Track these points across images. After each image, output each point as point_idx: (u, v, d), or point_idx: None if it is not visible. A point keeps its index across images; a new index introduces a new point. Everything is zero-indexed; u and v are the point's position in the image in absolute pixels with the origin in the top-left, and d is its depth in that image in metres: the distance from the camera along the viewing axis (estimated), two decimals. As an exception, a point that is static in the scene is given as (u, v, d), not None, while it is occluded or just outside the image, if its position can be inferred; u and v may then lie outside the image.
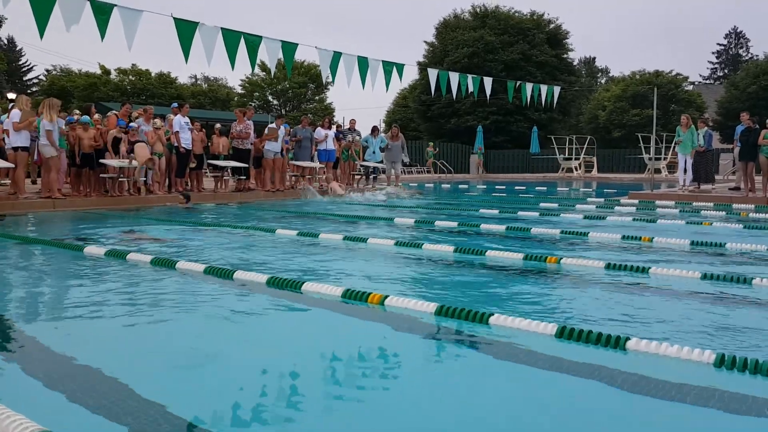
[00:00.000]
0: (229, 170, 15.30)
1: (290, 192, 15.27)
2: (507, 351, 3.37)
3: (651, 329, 3.71)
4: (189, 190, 13.92)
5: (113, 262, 5.91)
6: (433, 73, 16.20)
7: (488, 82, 16.96)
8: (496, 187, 21.64)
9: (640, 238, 7.48)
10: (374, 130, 18.38)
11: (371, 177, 18.42)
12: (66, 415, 2.50)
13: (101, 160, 12.12)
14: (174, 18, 10.38)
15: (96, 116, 12.77)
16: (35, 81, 54.13)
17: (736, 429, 2.46)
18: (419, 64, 37.81)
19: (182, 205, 12.09)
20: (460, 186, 22.97)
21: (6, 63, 31.44)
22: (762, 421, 2.49)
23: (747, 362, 2.95)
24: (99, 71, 43.54)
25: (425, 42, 41.48)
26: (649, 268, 5.37)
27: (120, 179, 12.57)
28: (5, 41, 54.07)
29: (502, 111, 35.95)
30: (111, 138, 12.21)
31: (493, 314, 3.73)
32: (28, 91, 46.34)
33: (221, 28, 10.96)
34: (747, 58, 65.94)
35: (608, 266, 5.53)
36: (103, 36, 9.58)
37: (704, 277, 5.06)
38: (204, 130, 14.40)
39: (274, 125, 14.88)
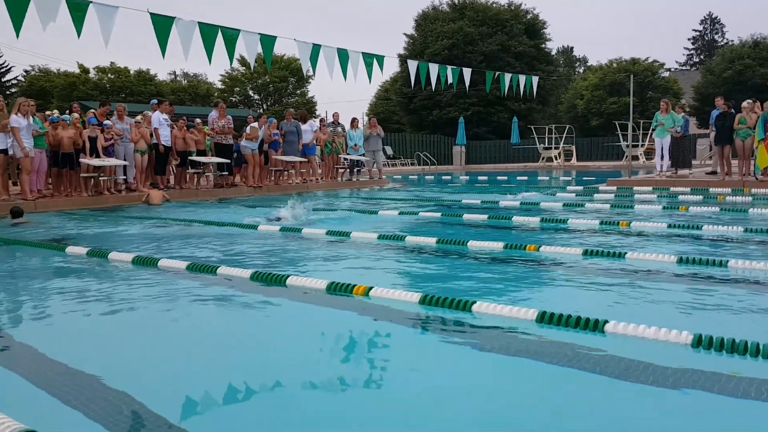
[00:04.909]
0: (211, 166, 15.22)
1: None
2: (490, 337, 3.44)
3: (629, 312, 3.80)
4: (171, 187, 13.85)
5: (93, 261, 5.91)
6: (413, 65, 16.26)
7: (467, 73, 17.05)
8: (479, 177, 21.76)
9: (618, 223, 7.61)
10: (354, 122, 18.37)
11: (355, 170, 18.43)
12: (52, 415, 2.52)
13: (80, 159, 12.03)
14: (150, 13, 10.32)
15: (75, 115, 12.65)
16: (14, 82, 53.25)
17: (714, 407, 2.53)
18: (400, 56, 37.82)
19: (154, 204, 12.01)
20: (444, 177, 23.07)
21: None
22: (739, 399, 2.55)
23: (723, 342, 3.03)
24: (78, 70, 42.99)
25: (405, 34, 41.53)
26: (626, 252, 5.48)
27: (101, 178, 12.49)
28: (-19, 42, 53.13)
29: (483, 102, 36.10)
30: (85, 138, 12.09)
31: (475, 302, 3.80)
32: (7, 92, 45.58)
33: (198, 23, 10.91)
34: (722, 43, 66.76)
35: (586, 252, 5.62)
36: (79, 33, 9.51)
37: (680, 260, 5.17)
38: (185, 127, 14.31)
39: (255, 125, 14.84)
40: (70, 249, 6.43)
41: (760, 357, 2.92)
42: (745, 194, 11.41)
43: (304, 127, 16.59)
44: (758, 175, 13.05)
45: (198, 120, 14.88)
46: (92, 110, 13.49)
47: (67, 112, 13.35)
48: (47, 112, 13.84)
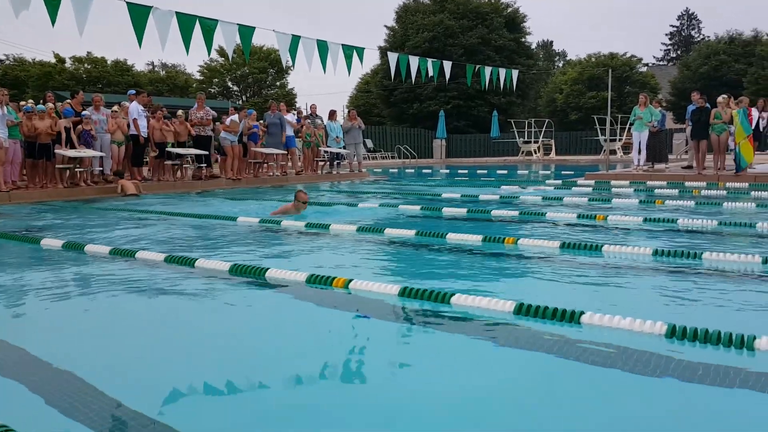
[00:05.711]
0: (190, 158, 15.09)
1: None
2: (468, 328, 3.46)
3: (605, 303, 3.85)
4: (148, 179, 13.69)
5: (68, 254, 5.83)
6: (393, 57, 16.22)
7: (448, 66, 17.06)
8: (459, 171, 21.83)
9: (595, 217, 7.69)
10: (332, 115, 18.28)
11: (335, 163, 18.37)
12: (27, 412, 2.48)
13: (56, 151, 11.84)
14: (127, 2, 10.15)
15: (50, 105, 12.43)
16: (-13, 71, 52.12)
17: (688, 395, 2.57)
18: (380, 48, 37.72)
19: (130, 195, 11.86)
20: (424, 170, 23.11)
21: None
22: (711, 388, 2.60)
23: (697, 332, 3.09)
24: (53, 60, 42.17)
25: (386, 26, 41.41)
26: (603, 245, 5.54)
27: (77, 170, 12.30)
28: (-49, 29, 51.78)
29: (463, 95, 36.18)
30: (61, 128, 11.91)
31: (454, 294, 3.82)
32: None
33: (176, 12, 10.75)
34: (699, 39, 67.57)
35: (563, 245, 5.67)
36: (53, 22, 9.32)
37: (656, 253, 5.24)
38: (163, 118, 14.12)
39: (236, 118, 14.72)
40: (45, 242, 6.34)
41: (733, 347, 2.98)
42: (719, 188, 11.58)
43: (288, 117, 16.49)
44: (742, 171, 13.01)
45: (179, 111, 14.72)
46: (68, 101, 13.26)
47: (41, 102, 13.13)
48: (21, 102, 13.59)
